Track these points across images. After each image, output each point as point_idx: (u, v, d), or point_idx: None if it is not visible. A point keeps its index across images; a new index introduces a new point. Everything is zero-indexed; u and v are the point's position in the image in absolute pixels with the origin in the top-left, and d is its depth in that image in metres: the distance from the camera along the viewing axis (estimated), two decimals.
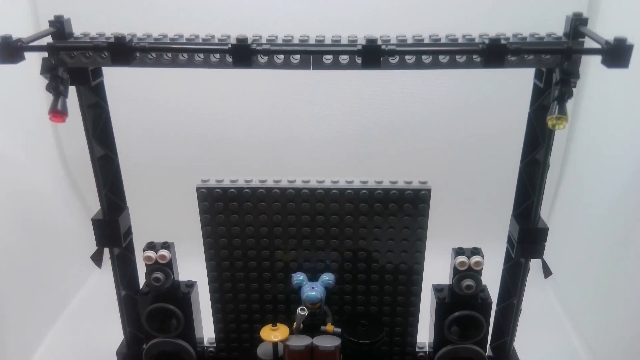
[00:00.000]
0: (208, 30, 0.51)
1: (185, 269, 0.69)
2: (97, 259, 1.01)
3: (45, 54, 0.47)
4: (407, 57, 0.50)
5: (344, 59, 0.50)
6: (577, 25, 0.48)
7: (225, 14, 0.87)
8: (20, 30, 0.51)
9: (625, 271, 0.72)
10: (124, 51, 0.44)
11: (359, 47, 0.39)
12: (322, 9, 0.87)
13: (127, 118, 0.91)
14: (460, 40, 0.50)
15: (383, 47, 0.38)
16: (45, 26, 0.50)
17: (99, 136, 0.60)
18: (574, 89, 0.50)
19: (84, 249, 0.99)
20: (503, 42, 0.43)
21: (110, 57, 0.45)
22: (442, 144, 0.96)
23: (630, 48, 0.39)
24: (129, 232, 0.66)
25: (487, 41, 0.45)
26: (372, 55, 0.37)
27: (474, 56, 0.50)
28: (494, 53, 0.39)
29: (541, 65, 0.51)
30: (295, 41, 0.51)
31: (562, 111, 0.39)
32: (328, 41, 0.51)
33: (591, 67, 0.84)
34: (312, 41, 0.51)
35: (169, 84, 0.90)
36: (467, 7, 0.86)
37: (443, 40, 0.51)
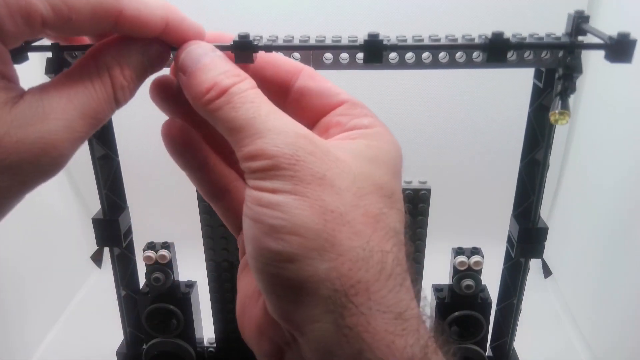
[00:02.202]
0: (207, 29, 0.52)
1: (185, 269, 0.69)
2: (97, 259, 1.02)
3: (49, 54, 0.47)
4: (407, 56, 0.50)
5: (344, 58, 0.51)
6: (579, 22, 0.48)
7: (223, 14, 0.87)
8: None
9: (625, 271, 0.72)
10: None
11: (361, 42, 0.39)
12: (321, 11, 0.87)
13: (127, 118, 0.91)
14: (459, 41, 0.50)
15: (385, 42, 0.38)
16: None
17: (99, 136, 0.60)
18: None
19: (84, 249, 0.99)
20: (505, 37, 0.43)
21: None
22: (442, 143, 0.96)
23: (633, 43, 0.39)
24: (129, 232, 0.66)
25: (489, 36, 0.45)
26: (374, 50, 0.37)
27: (474, 55, 0.50)
28: (496, 48, 0.39)
29: (541, 65, 0.52)
30: (296, 41, 0.51)
31: (565, 106, 0.39)
32: (328, 41, 0.51)
33: (590, 66, 0.84)
34: (312, 41, 0.51)
35: None
36: (465, 9, 0.86)
37: (443, 41, 0.51)
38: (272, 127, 0.24)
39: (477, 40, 0.49)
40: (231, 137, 0.25)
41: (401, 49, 0.41)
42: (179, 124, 0.29)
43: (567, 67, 0.41)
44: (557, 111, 0.40)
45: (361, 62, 0.51)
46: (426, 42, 0.50)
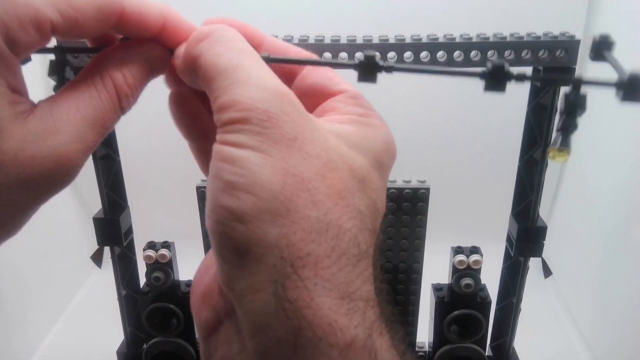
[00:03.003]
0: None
1: (186, 268, 0.70)
2: (97, 258, 1.02)
3: (51, 56, 0.47)
4: (405, 55, 0.51)
5: (343, 58, 0.51)
6: (602, 49, 0.47)
7: (218, 13, 0.87)
8: None
9: (625, 270, 0.72)
10: None
11: (356, 61, 0.39)
12: (321, 11, 0.88)
13: (128, 118, 0.91)
14: (457, 40, 0.51)
15: (380, 63, 0.38)
16: None
17: None
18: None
19: (84, 248, 0.99)
20: (506, 68, 0.42)
21: None
22: (441, 143, 0.96)
23: None
24: (129, 231, 0.67)
25: (490, 66, 0.44)
26: (368, 71, 0.37)
27: (472, 54, 0.50)
28: (495, 77, 0.38)
29: (538, 63, 0.52)
30: (295, 41, 0.51)
31: (566, 143, 0.36)
32: (327, 41, 0.52)
33: (591, 65, 0.84)
34: (311, 41, 0.52)
35: None
36: (465, 9, 0.86)
37: (441, 40, 0.51)
38: (252, 79, 0.23)
39: (474, 39, 0.50)
40: (210, 86, 0.24)
41: (397, 70, 0.40)
42: (185, 91, 0.30)
43: (571, 104, 0.37)
44: (556, 147, 0.37)
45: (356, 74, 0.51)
46: (424, 41, 0.51)
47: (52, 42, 0.48)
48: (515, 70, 0.39)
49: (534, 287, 0.86)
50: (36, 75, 0.84)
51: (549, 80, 0.45)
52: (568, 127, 0.39)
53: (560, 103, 0.41)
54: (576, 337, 0.83)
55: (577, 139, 0.32)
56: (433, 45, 0.51)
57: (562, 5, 0.51)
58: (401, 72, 0.46)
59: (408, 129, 0.94)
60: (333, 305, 0.21)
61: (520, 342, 0.70)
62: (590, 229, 0.84)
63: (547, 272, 0.98)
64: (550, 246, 0.62)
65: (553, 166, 0.60)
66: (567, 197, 0.96)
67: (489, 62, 0.39)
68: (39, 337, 0.83)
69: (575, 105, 0.39)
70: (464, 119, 0.94)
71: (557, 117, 0.40)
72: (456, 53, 0.52)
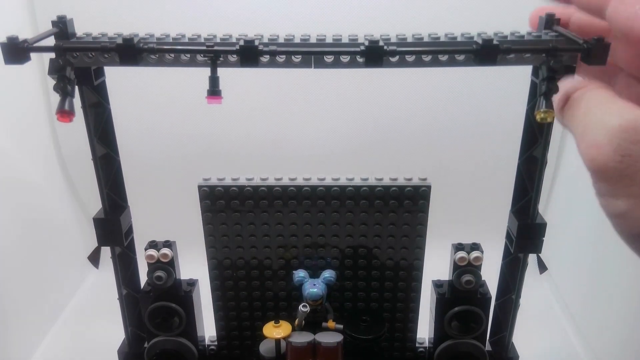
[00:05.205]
0: (197, 27, 0.51)
1: (187, 267, 0.70)
2: (94, 259, 1.02)
3: (50, 54, 0.47)
4: (407, 56, 0.51)
5: (345, 58, 0.51)
6: (551, 24, 0.49)
7: (214, 11, 0.87)
8: (12, 28, 0.51)
9: (619, 265, 0.73)
10: (132, 52, 0.44)
11: (362, 47, 0.40)
12: (319, 9, 0.88)
13: (128, 117, 0.90)
14: (459, 39, 0.51)
15: (385, 47, 0.39)
16: (38, 24, 0.49)
17: (100, 135, 0.60)
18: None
19: (83, 248, 0.99)
20: (495, 42, 0.45)
21: (119, 58, 0.45)
22: (442, 141, 0.96)
23: (607, 46, 0.41)
24: (130, 231, 0.66)
25: (480, 41, 0.47)
26: (374, 55, 0.38)
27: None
28: (486, 52, 0.41)
29: (538, 63, 0.52)
30: (297, 40, 0.51)
31: (549, 105, 0.42)
32: (329, 40, 0.52)
33: None
34: (313, 40, 0.52)
35: (170, 83, 0.90)
36: (466, 7, 0.87)
37: (442, 39, 0.51)
38: None
39: (475, 38, 0.50)
40: None
41: (400, 53, 0.42)
42: None
43: (550, 70, 0.43)
44: (541, 110, 0.42)
45: (362, 60, 0.51)
46: (426, 40, 0.51)
47: (51, 41, 0.48)
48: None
49: (530, 283, 0.87)
50: (36, 75, 0.84)
51: (530, 50, 0.47)
52: (550, 91, 0.42)
53: (541, 71, 0.44)
54: (573, 331, 0.84)
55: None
56: (434, 45, 0.51)
57: None
58: (403, 54, 0.47)
59: (409, 128, 0.94)
60: None
61: (519, 336, 0.71)
62: (585, 224, 0.85)
63: (542, 268, 0.99)
64: (546, 242, 0.63)
65: (549, 163, 0.61)
66: (563, 192, 0.97)
67: (479, 38, 0.41)
68: (40, 336, 0.83)
69: (554, 71, 0.42)
70: (465, 118, 0.95)
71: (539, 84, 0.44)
72: (454, 54, 0.52)
